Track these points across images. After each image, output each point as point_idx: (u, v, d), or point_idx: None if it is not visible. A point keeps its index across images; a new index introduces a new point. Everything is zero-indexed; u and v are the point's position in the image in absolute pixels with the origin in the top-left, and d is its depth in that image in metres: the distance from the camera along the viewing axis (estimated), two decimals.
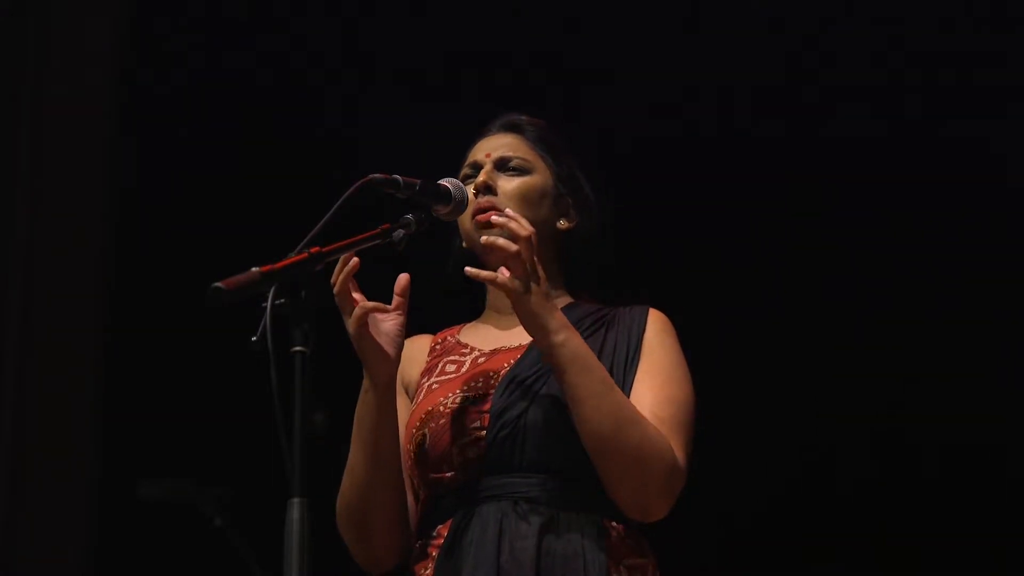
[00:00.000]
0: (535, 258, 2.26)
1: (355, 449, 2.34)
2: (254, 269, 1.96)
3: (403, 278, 2.32)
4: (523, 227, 2.26)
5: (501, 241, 2.25)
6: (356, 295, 2.28)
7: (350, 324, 2.27)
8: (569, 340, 2.26)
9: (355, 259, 2.26)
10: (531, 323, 2.27)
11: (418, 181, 2.32)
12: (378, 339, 2.29)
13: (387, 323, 2.31)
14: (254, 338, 1.94)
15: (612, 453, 2.26)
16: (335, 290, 2.26)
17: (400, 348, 2.31)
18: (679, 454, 2.30)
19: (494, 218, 2.31)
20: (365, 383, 2.32)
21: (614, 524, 2.31)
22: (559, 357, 2.26)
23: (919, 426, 4.20)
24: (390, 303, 2.32)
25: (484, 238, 2.29)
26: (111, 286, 4.29)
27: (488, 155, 2.51)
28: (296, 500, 1.90)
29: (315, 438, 1.95)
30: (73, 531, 4.20)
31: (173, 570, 4.07)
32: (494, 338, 2.49)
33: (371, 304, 2.27)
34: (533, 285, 2.25)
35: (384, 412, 2.31)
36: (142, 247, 4.30)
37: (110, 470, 4.20)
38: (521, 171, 2.49)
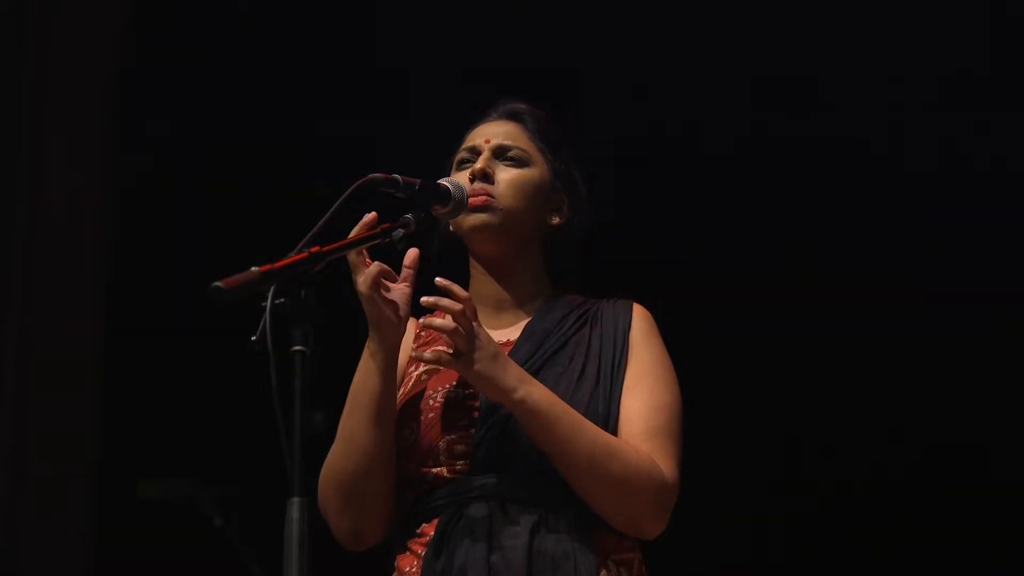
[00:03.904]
0: (473, 324, 2.23)
1: (354, 415, 2.32)
2: (254, 268, 1.96)
3: (413, 252, 2.30)
4: (455, 300, 2.23)
5: (437, 322, 2.23)
6: (368, 260, 2.27)
7: (363, 283, 2.24)
8: (528, 395, 2.25)
9: (372, 214, 2.24)
10: (485, 387, 2.26)
11: (418, 181, 2.31)
12: (389, 302, 2.28)
13: (395, 292, 2.29)
14: (254, 338, 1.94)
15: (594, 488, 2.27)
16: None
17: (407, 317, 2.30)
18: (668, 466, 2.30)
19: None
20: (371, 347, 2.30)
21: (603, 522, 2.30)
22: (522, 415, 2.26)
23: (914, 427, 4.22)
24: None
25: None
26: (111, 286, 4.29)
27: (487, 141, 2.48)
28: (296, 500, 1.89)
29: (315, 437, 1.95)
30: (73, 531, 4.20)
31: (173, 570, 4.07)
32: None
33: (385, 267, 2.27)
34: (478, 352, 2.22)
35: (388, 376, 2.30)
36: (142, 247, 4.30)
37: (110, 470, 4.20)
38: (519, 162, 2.47)
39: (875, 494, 4.26)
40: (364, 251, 2.26)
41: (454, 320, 2.21)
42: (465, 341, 2.22)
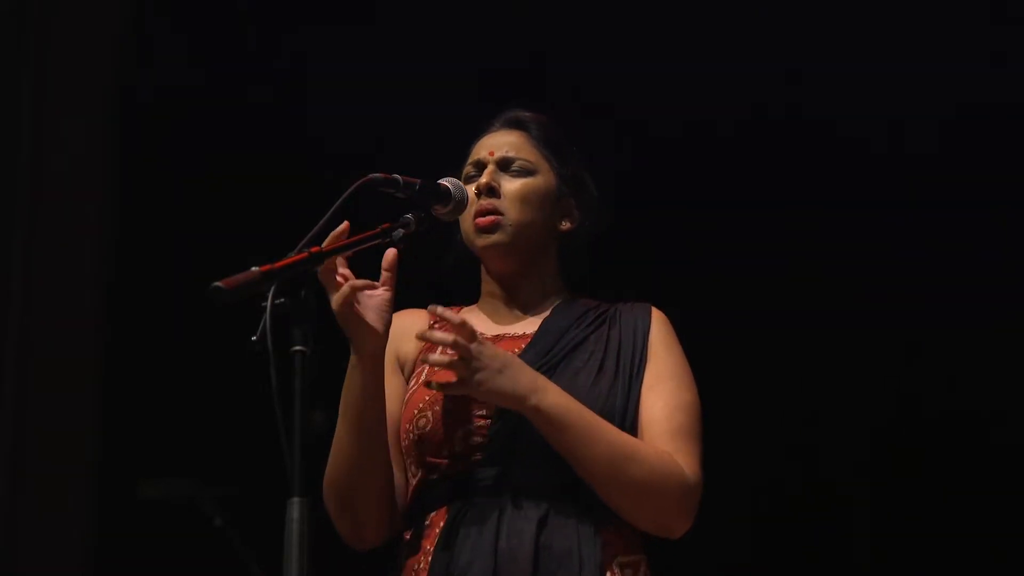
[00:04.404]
0: (471, 347, 2.21)
1: (341, 424, 2.32)
2: (254, 268, 1.96)
3: (391, 253, 2.28)
4: (449, 329, 2.23)
5: (433, 358, 2.23)
6: (343, 270, 2.24)
7: (335, 301, 2.22)
8: (542, 401, 2.25)
9: (345, 223, 2.21)
10: (498, 401, 2.26)
11: (418, 181, 2.31)
12: (365, 314, 2.25)
13: (375, 298, 2.27)
14: (254, 338, 1.94)
15: (615, 492, 2.27)
16: (320, 267, 2.22)
17: (388, 323, 2.28)
18: (691, 464, 2.31)
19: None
20: (352, 360, 2.29)
21: (610, 520, 2.30)
22: (537, 421, 2.26)
23: (916, 427, 4.22)
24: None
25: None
26: (111, 285, 4.29)
27: (491, 153, 2.48)
28: (296, 500, 1.89)
29: (315, 437, 1.95)
30: (73, 531, 4.20)
31: (173, 570, 4.07)
32: (496, 325, 2.48)
33: (360, 282, 2.24)
34: (483, 373, 2.22)
35: (370, 387, 2.29)
36: (142, 246, 4.30)
37: (110, 470, 4.20)
38: (524, 172, 2.47)
39: (875, 494, 4.26)
40: (339, 264, 2.24)
41: (452, 349, 2.21)
42: (465, 368, 2.22)
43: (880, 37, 4.17)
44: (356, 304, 2.24)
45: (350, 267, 2.26)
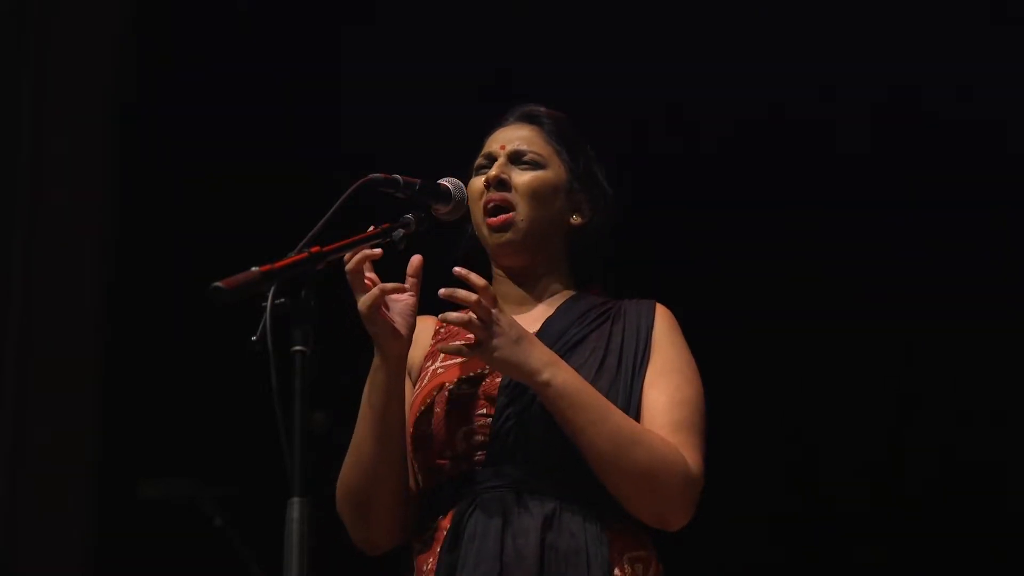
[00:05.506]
0: (492, 311, 2.23)
1: (361, 428, 2.32)
2: (254, 268, 1.96)
3: (416, 259, 2.31)
4: (470, 289, 2.24)
5: (452, 316, 2.24)
6: (370, 274, 2.27)
7: (363, 303, 2.24)
8: (554, 377, 2.25)
9: (378, 250, 2.25)
10: (510, 372, 2.27)
11: (418, 181, 2.32)
12: (390, 317, 2.28)
13: (400, 302, 2.29)
14: (254, 338, 1.94)
15: (618, 476, 2.26)
16: (348, 267, 2.25)
17: (412, 327, 2.30)
18: (694, 458, 2.30)
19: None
20: (375, 361, 2.30)
21: (616, 517, 2.30)
22: (547, 397, 2.26)
23: (923, 426, 4.21)
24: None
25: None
26: (111, 285, 4.29)
27: (503, 147, 2.49)
28: (296, 500, 1.90)
29: (315, 437, 1.95)
30: (73, 531, 4.20)
31: (173, 570, 4.07)
32: None
33: (390, 286, 2.27)
34: (499, 339, 2.23)
35: (393, 390, 2.30)
36: (142, 246, 4.30)
37: (110, 470, 4.20)
38: (535, 165, 2.48)
39: (875, 494, 4.25)
40: (367, 270, 2.26)
41: (472, 310, 2.22)
42: (483, 330, 2.23)
43: (880, 37, 4.17)
44: (381, 305, 2.25)
45: (376, 270, 2.28)
